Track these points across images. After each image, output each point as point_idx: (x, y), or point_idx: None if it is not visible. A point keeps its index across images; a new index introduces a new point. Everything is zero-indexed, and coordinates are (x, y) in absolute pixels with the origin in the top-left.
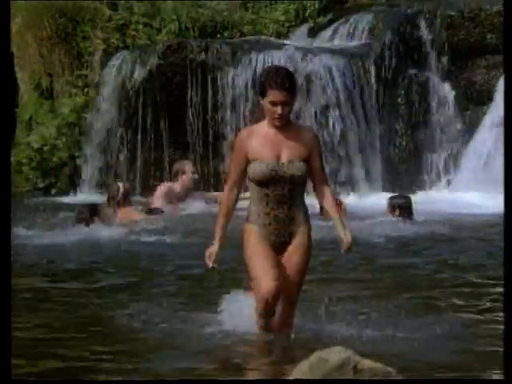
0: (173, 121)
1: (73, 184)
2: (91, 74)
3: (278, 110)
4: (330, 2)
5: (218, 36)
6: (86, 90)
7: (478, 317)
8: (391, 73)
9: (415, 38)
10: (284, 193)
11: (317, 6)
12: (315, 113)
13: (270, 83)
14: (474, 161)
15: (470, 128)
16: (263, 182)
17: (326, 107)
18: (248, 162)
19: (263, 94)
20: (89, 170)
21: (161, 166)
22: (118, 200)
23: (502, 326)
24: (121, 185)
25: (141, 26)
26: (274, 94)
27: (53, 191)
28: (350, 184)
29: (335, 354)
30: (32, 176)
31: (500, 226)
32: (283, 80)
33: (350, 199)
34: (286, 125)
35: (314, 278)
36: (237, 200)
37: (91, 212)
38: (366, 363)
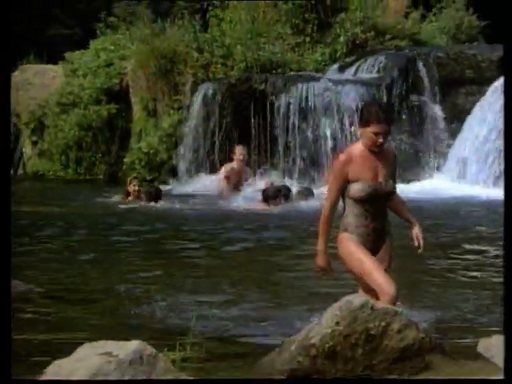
0: (240, 132)
1: (171, 177)
2: (184, 99)
3: (380, 139)
4: (353, 47)
5: (274, 71)
6: (180, 110)
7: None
8: (397, 98)
9: (415, 73)
10: (381, 207)
11: (344, 49)
12: (340, 126)
13: (376, 117)
14: (455, 160)
15: (454, 137)
16: (365, 200)
17: (350, 122)
18: (347, 183)
19: (366, 124)
20: (181, 167)
21: None
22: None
23: None
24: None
25: (219, 65)
26: (378, 127)
27: (156, 183)
28: None
29: (358, 298)
30: (142, 172)
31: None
32: (387, 115)
33: None
34: None
35: None
36: (333, 218)
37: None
38: (380, 304)
